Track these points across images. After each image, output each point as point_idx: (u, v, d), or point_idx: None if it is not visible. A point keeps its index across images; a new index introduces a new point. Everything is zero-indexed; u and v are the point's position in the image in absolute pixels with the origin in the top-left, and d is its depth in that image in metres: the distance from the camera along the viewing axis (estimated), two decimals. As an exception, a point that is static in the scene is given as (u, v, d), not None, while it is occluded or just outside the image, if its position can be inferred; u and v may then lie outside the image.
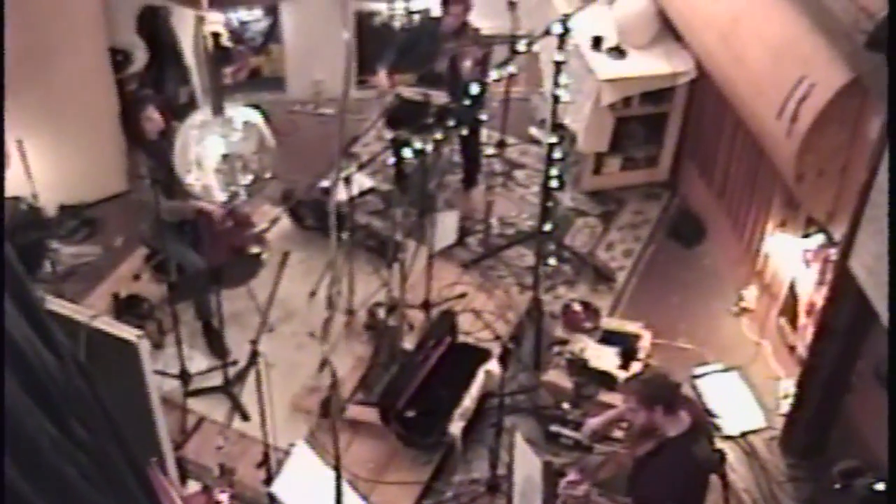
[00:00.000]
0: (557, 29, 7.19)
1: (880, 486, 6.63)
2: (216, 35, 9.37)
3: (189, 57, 9.84)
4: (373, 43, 10.41)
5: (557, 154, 7.91)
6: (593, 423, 6.78)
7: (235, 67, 10.62)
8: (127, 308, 8.25)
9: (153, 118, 7.69)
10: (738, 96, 7.99)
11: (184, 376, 7.71)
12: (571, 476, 6.55)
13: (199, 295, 7.91)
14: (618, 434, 7.27)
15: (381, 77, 9.16)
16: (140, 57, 9.77)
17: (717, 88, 8.52)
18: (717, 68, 8.41)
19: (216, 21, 9.68)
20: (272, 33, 10.74)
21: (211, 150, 6.12)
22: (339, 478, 5.65)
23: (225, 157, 6.12)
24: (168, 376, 7.68)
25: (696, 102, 9.49)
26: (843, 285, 6.73)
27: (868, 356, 7.01)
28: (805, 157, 7.04)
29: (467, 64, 8.93)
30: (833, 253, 7.17)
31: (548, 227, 8.25)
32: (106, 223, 9.34)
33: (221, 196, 6.40)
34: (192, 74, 9.88)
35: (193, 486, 7.05)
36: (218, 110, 6.12)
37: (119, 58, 9.54)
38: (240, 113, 6.29)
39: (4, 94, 7.35)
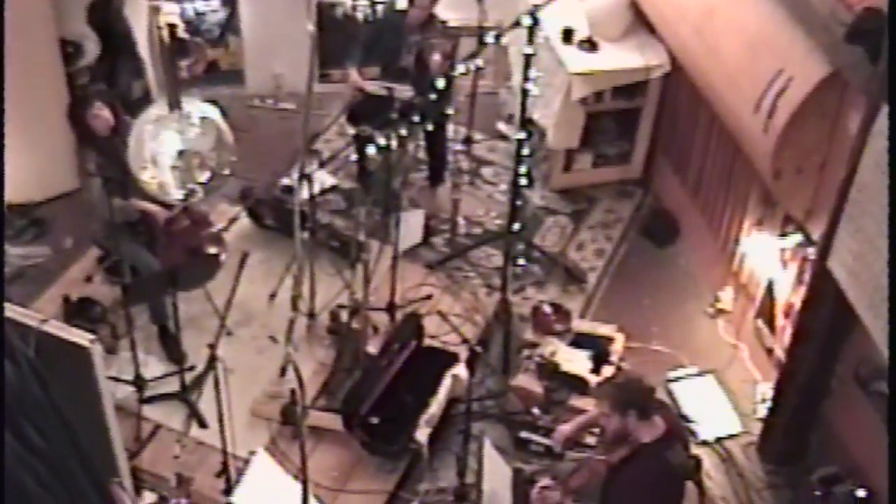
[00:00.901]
0: (527, 21, 7.21)
1: (861, 493, 6.69)
2: (171, 26, 9.33)
3: (143, 49, 9.78)
4: (335, 35, 10.40)
5: (526, 151, 7.92)
6: (565, 429, 6.80)
7: (192, 60, 10.57)
8: (78, 312, 8.19)
9: (101, 115, 7.61)
10: (714, 90, 8.03)
11: (138, 382, 7.66)
12: (545, 482, 6.57)
13: (155, 298, 7.86)
14: (590, 440, 7.29)
15: (354, 76, 9.13)
16: (91, 49, 9.69)
17: (692, 82, 8.56)
18: (691, 62, 8.45)
19: (171, 12, 9.64)
20: (230, 25, 10.69)
21: (167, 146, 6.13)
22: (305, 490, 5.65)
23: (181, 153, 6.14)
24: (122, 382, 7.63)
25: (669, 97, 9.53)
26: (821, 286, 6.77)
27: (848, 359, 7.06)
28: (783, 154, 7.08)
29: (436, 58, 8.93)
30: (811, 252, 7.22)
31: (516, 226, 8.26)
32: (56, 223, 9.27)
33: (177, 194, 6.41)
34: (147, 68, 9.83)
35: (149, 498, 7.03)
36: (174, 105, 6.12)
37: (70, 50, 9.46)
38: (197, 108, 6.29)
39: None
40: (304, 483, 5.68)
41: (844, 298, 6.38)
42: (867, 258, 6.05)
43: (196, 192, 6.78)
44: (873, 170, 5.92)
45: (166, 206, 7.66)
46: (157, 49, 9.17)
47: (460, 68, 8.29)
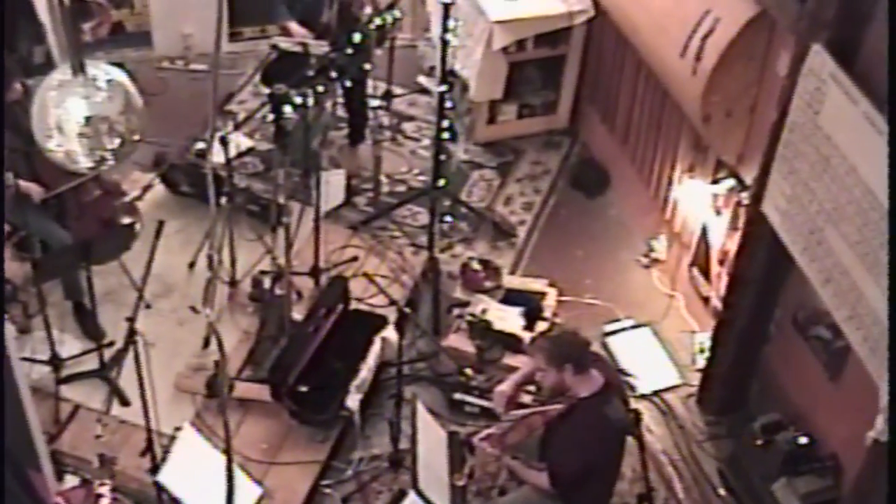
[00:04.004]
0: (444, -32, 7.17)
1: (803, 440, 6.77)
2: (72, -13, 9.15)
3: (42, 12, 9.61)
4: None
5: (448, 104, 7.89)
6: (504, 390, 6.71)
7: (95, 23, 10.38)
8: (-14, 291, 8.08)
9: (16, 90, 7.51)
10: (639, 35, 8.03)
11: (55, 362, 7.56)
12: (492, 429, 6.56)
13: (68, 273, 7.76)
14: (525, 399, 7.30)
15: (297, 29, 8.99)
16: (-14, 14, 9.52)
17: (617, 27, 8.57)
18: (615, 6, 8.46)
19: (71, -29, 9.45)
20: (134, -16, 10.55)
21: (72, 112, 5.99)
22: (230, 462, 5.59)
23: (88, 119, 6.00)
24: (37, 363, 7.53)
25: (594, 43, 9.52)
26: (756, 231, 6.83)
27: (786, 304, 7.12)
28: (712, 97, 7.11)
29: (367, 10, 8.81)
30: (745, 197, 7.27)
31: (441, 182, 8.24)
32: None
33: (86, 162, 6.29)
34: (47, 32, 9.66)
35: (71, 481, 6.95)
36: (78, 70, 6.00)
37: (-38, 15, 9.29)
38: (102, 71, 6.16)
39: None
40: (229, 457, 5.63)
41: (780, 242, 6.45)
42: (801, 200, 6.11)
43: (106, 159, 6.65)
44: (804, 110, 5.97)
45: (44, 184, 7.52)
46: (57, 12, 9.00)
47: (377, 21, 8.22)
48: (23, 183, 7.46)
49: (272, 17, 9.20)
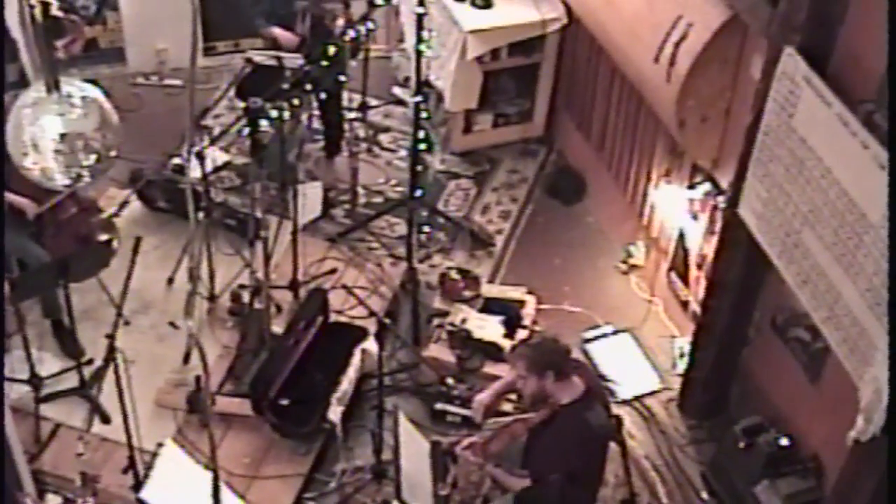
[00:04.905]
0: (417, -21, 7.18)
1: (784, 442, 6.79)
2: (45, 4, 9.12)
3: (15, 29, 9.57)
4: (218, 5, 10.24)
5: (424, 114, 7.89)
6: (483, 398, 6.73)
7: (68, 40, 10.33)
8: (-36, 311, 8.04)
9: None
10: (613, 41, 8.05)
11: (34, 381, 7.52)
12: (474, 438, 6.56)
13: (46, 291, 7.72)
14: (507, 407, 7.31)
15: (282, 33, 8.97)
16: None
17: (590, 34, 8.58)
18: (588, 13, 8.47)
19: (43, -12, 9.43)
20: (107, 0, 10.51)
21: (47, 129, 5.98)
22: (216, 477, 5.59)
23: (64, 136, 5.99)
24: (16, 382, 7.49)
25: (568, 51, 9.52)
26: (733, 234, 6.85)
27: (764, 307, 7.14)
28: (686, 102, 7.13)
29: (340, 23, 8.82)
30: (721, 201, 7.29)
31: (418, 192, 8.24)
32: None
33: (63, 180, 6.27)
34: (20, 49, 9.63)
35: (53, 500, 6.93)
36: (52, 87, 5.98)
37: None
38: (77, 88, 6.15)
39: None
40: (215, 472, 5.62)
41: (757, 245, 6.48)
42: (777, 203, 6.13)
43: (82, 176, 6.66)
44: (779, 113, 5.99)
45: (36, 198, 7.50)
46: (29, 29, 8.97)
47: (351, 33, 8.22)
48: (14, 198, 7.44)
49: (254, 28, 9.19)
